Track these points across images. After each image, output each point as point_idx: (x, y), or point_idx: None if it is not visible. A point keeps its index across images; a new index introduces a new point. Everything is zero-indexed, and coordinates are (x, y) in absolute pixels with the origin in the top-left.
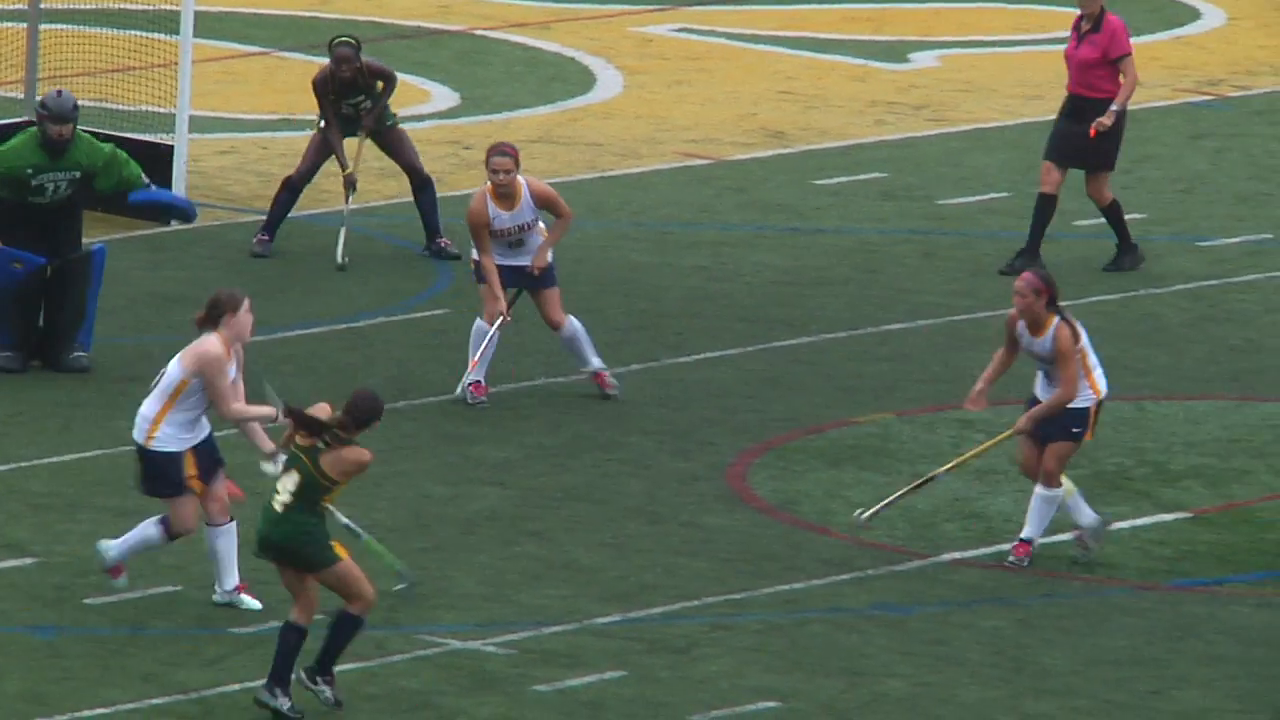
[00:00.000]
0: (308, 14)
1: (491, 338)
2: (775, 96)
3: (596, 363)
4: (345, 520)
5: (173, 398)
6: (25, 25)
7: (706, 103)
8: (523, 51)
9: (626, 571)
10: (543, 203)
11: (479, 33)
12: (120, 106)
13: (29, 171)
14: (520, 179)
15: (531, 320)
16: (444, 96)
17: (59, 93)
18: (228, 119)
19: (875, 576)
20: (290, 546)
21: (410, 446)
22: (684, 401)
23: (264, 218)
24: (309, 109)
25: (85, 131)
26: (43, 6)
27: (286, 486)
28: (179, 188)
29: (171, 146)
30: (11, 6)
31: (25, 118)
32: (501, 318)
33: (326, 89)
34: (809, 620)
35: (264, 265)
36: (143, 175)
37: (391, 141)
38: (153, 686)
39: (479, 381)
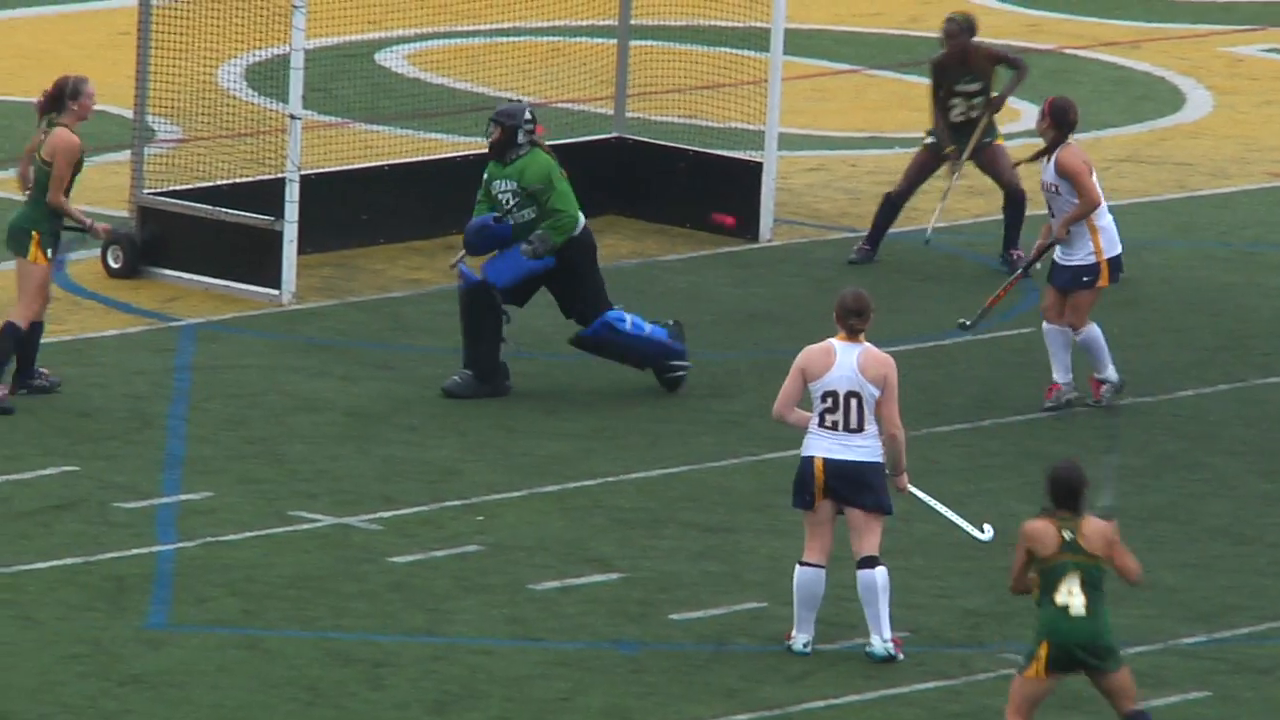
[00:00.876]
0: (898, 32)
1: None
2: None
3: (1110, 373)
4: (923, 496)
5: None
6: (615, 41)
7: None
8: (1113, 70)
9: (1211, 592)
10: (1064, 171)
11: (1069, 51)
12: (709, 123)
13: (486, 176)
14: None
15: (1117, 339)
16: (1034, 115)
17: (516, 100)
18: (816, 136)
19: None
20: (1103, 646)
21: (995, 465)
22: (1270, 422)
23: (852, 234)
24: (898, 127)
25: (659, 143)
26: (633, 23)
27: (1074, 590)
28: (767, 205)
29: (760, 164)
30: (602, 22)
31: (615, 134)
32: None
33: (940, 74)
34: None
35: (848, 283)
36: (553, 240)
37: (988, 159)
38: (735, 702)
39: (1058, 384)
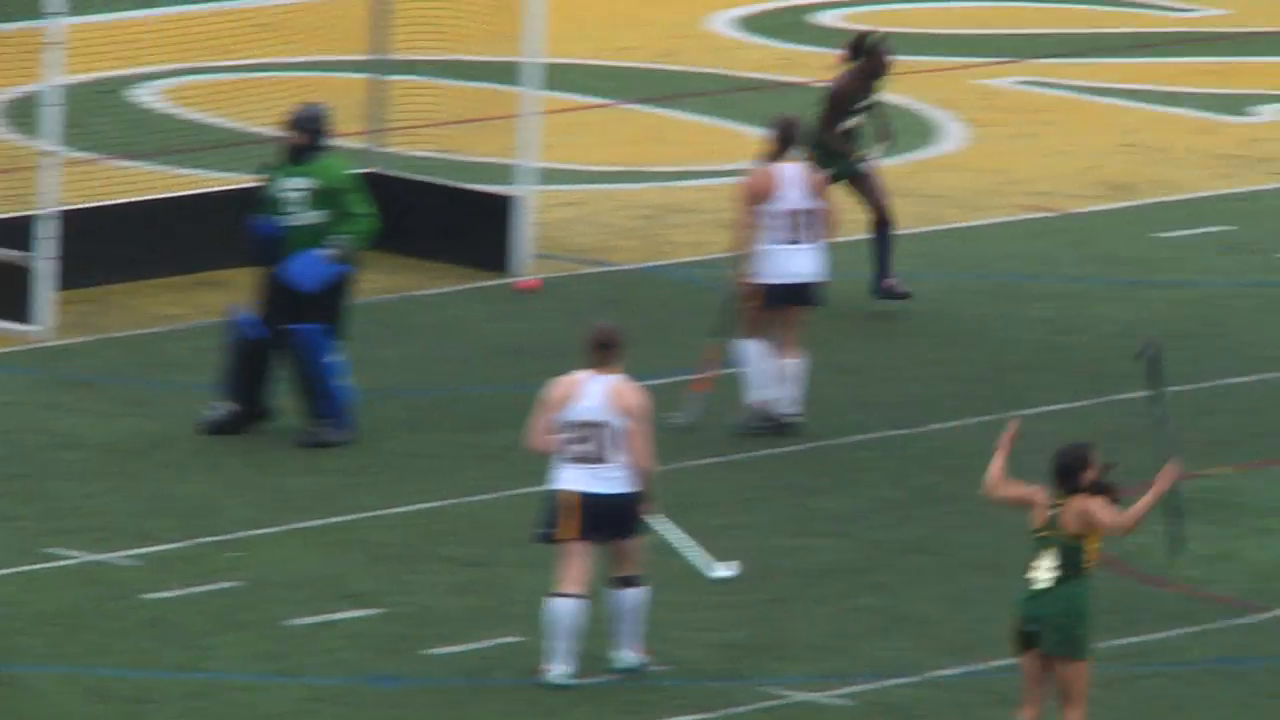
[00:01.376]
0: (653, 66)
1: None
2: (1118, 149)
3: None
4: (665, 529)
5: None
6: (371, 76)
7: (1049, 155)
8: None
9: (968, 624)
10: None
11: (822, 84)
12: (466, 158)
13: (269, 175)
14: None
15: (874, 373)
16: None
17: (316, 104)
18: (573, 171)
19: (1217, 630)
20: (1058, 622)
21: (753, 498)
22: (1027, 455)
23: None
24: (655, 161)
25: (417, 180)
26: (389, 58)
27: (1042, 565)
28: (522, 239)
29: (516, 198)
30: (359, 57)
31: (371, 169)
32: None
33: (844, 100)
34: (1151, 674)
35: (605, 317)
36: (350, 239)
37: (859, 183)
38: None
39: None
